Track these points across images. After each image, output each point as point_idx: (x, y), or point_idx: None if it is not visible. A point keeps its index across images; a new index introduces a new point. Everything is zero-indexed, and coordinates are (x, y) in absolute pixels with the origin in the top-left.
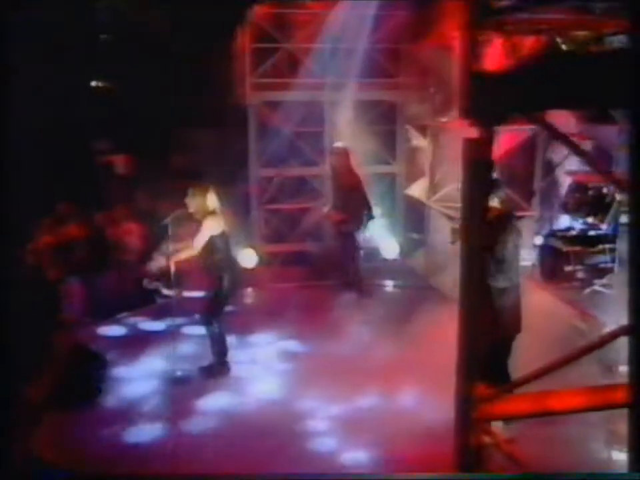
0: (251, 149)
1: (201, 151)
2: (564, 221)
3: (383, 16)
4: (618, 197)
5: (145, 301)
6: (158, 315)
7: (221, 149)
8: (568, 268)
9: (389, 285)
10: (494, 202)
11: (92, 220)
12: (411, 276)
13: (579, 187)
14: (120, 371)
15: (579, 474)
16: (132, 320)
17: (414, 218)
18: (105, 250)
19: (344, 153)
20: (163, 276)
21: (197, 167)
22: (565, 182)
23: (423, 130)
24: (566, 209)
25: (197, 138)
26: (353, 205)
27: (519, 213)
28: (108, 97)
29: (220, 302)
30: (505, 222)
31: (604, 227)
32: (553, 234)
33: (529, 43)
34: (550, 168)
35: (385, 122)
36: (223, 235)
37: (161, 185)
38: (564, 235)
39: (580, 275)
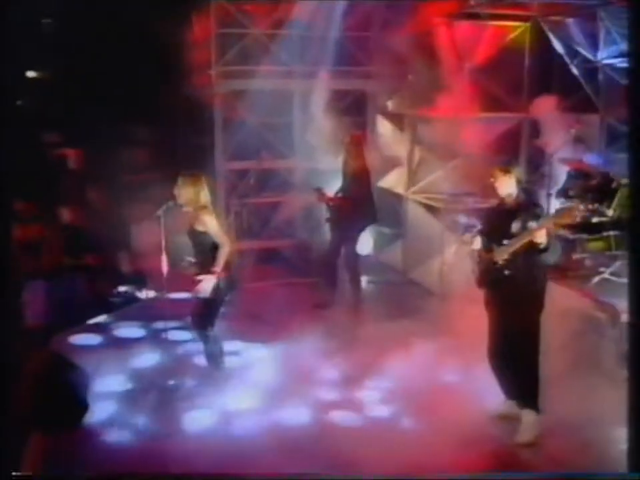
0: (217, 141)
1: (154, 145)
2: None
3: (354, 3)
4: (624, 182)
5: (114, 306)
6: (136, 320)
7: (174, 143)
8: (575, 256)
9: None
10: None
11: (54, 218)
12: (387, 271)
13: (580, 174)
14: (104, 383)
15: (579, 474)
16: (109, 326)
17: (385, 211)
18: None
19: (357, 140)
20: (138, 277)
21: (152, 162)
22: (560, 170)
23: (397, 120)
24: (566, 196)
25: (149, 132)
26: (357, 194)
27: None
28: (51, 87)
29: (216, 303)
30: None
31: (610, 213)
32: None
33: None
34: (540, 157)
35: (355, 112)
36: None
37: (116, 181)
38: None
39: (587, 262)
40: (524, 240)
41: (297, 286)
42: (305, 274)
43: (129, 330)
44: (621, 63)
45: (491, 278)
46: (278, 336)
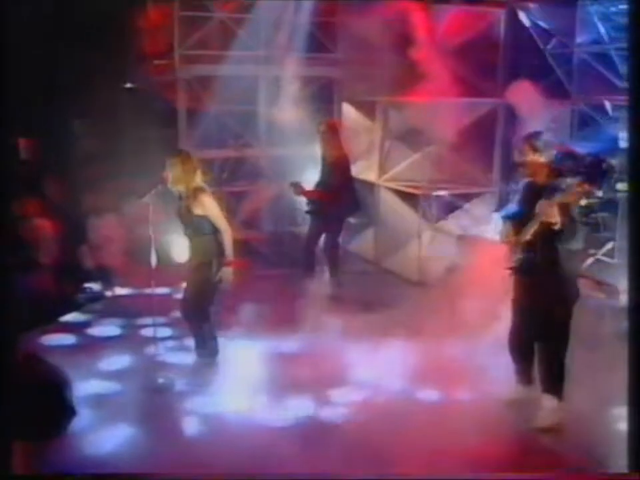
0: (180, 129)
1: (108, 135)
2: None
3: None
4: (614, 162)
5: (79, 304)
6: (113, 317)
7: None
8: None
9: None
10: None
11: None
12: (357, 261)
13: (567, 156)
14: (89, 385)
15: (579, 474)
16: (84, 325)
17: None
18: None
19: (333, 127)
20: (101, 273)
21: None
22: None
23: (367, 107)
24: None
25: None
26: (337, 184)
27: (478, 190)
28: None
29: (208, 292)
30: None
31: (600, 194)
32: None
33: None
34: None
35: (322, 100)
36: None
37: (71, 174)
38: None
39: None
40: (538, 220)
41: (270, 278)
42: (277, 265)
43: (106, 329)
44: (597, 48)
45: (517, 260)
46: (264, 329)
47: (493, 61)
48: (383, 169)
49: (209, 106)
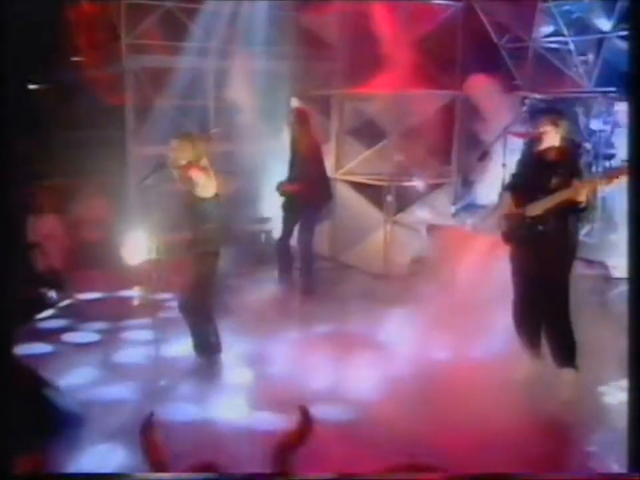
0: (127, 123)
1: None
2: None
3: None
4: (588, 147)
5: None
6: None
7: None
8: None
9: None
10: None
11: None
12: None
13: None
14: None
15: (579, 474)
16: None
17: None
18: None
19: (304, 116)
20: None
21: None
22: (509, 142)
23: (320, 101)
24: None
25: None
26: (312, 175)
27: (437, 181)
28: None
29: (213, 284)
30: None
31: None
32: None
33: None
34: (478, 133)
35: (273, 94)
36: (216, 198)
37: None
38: None
39: None
40: (563, 197)
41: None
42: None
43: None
44: (554, 42)
45: (521, 234)
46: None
47: (451, 54)
48: (339, 163)
49: (157, 100)
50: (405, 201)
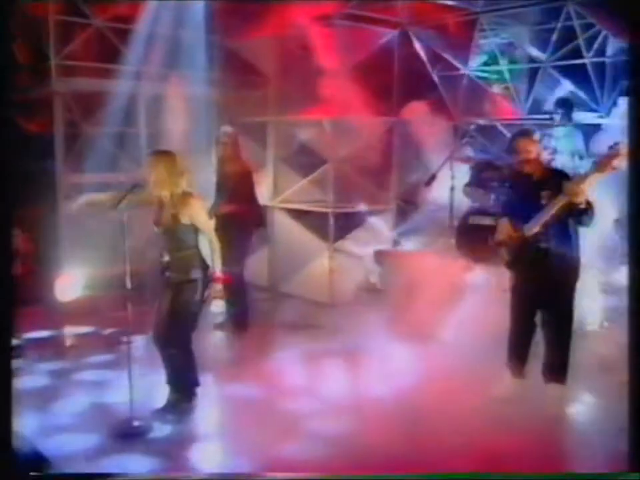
0: (57, 149)
1: None
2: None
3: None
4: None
5: None
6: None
7: None
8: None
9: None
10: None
11: None
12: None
13: (483, 167)
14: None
15: (580, 474)
16: None
17: None
18: None
19: (232, 139)
20: None
21: None
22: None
23: (255, 128)
24: (482, 185)
25: None
26: (241, 198)
27: (376, 208)
28: None
29: (191, 314)
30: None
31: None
32: (474, 212)
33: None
34: (416, 159)
35: (206, 121)
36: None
37: None
38: (488, 211)
39: None
40: (559, 205)
41: None
42: None
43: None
44: (489, 70)
45: (525, 256)
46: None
47: (387, 81)
48: (276, 191)
49: (87, 126)
50: (344, 227)
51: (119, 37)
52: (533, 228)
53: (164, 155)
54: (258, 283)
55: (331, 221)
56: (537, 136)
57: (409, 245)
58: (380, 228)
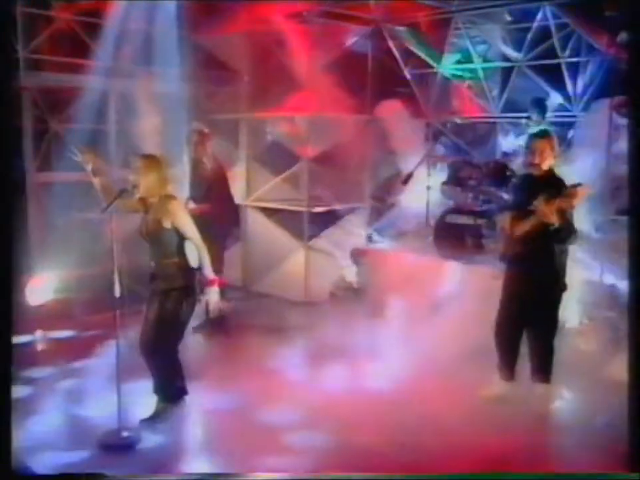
0: (25, 147)
1: None
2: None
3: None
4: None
5: None
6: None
7: None
8: (484, 241)
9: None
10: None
11: None
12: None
13: (460, 166)
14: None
15: (579, 474)
16: None
17: None
18: None
19: (203, 137)
20: None
21: None
22: (434, 166)
23: (227, 125)
24: (460, 184)
25: None
26: (217, 199)
27: (350, 206)
28: None
29: (178, 324)
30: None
31: (506, 197)
32: (451, 211)
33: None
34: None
35: (176, 118)
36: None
37: None
38: (466, 210)
39: (494, 246)
40: (536, 220)
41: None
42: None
43: None
44: (463, 69)
45: (512, 251)
46: None
47: (361, 78)
48: (249, 189)
49: (54, 122)
50: (318, 226)
51: (88, 31)
52: (521, 229)
53: (152, 159)
54: (231, 283)
55: (306, 219)
56: (555, 140)
57: (385, 243)
58: (354, 226)
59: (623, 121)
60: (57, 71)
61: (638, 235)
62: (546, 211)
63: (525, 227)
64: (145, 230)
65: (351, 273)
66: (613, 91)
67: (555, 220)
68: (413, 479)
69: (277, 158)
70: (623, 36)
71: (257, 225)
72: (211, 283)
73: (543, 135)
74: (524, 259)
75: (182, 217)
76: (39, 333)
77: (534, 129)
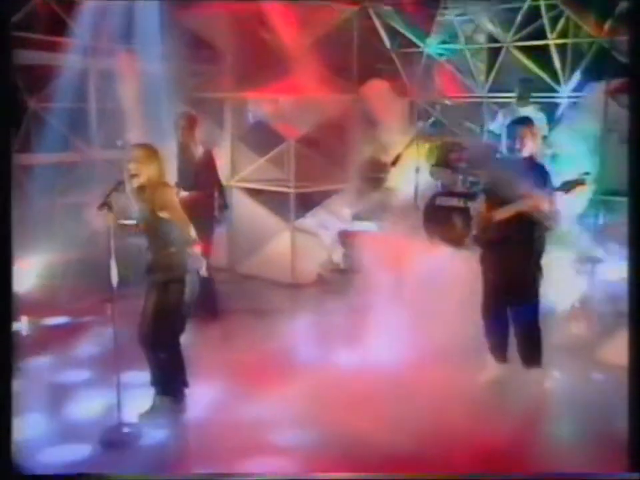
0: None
1: None
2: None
3: None
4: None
5: None
6: None
7: None
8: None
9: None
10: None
11: None
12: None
13: (450, 147)
14: None
15: (579, 474)
16: None
17: None
18: None
19: (191, 122)
20: None
21: None
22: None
23: (212, 105)
24: (449, 166)
25: None
26: (206, 184)
27: (335, 186)
28: None
29: (178, 315)
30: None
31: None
32: (441, 194)
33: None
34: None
35: (160, 97)
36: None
37: None
38: (456, 192)
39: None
40: (524, 206)
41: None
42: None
43: None
44: (449, 49)
45: (489, 236)
46: None
47: (347, 58)
48: (234, 170)
49: (32, 102)
50: (303, 206)
51: (66, 9)
52: (502, 214)
53: (152, 149)
54: (216, 264)
55: (292, 200)
56: (536, 126)
57: (372, 224)
58: (341, 207)
59: (617, 106)
60: (35, 49)
61: (637, 223)
62: (541, 201)
63: (506, 212)
64: (143, 221)
65: (337, 255)
66: (606, 74)
67: (547, 207)
68: (412, 479)
69: (262, 138)
70: (622, 5)
71: (242, 205)
72: (196, 245)
73: (523, 121)
74: (501, 242)
75: (173, 202)
76: (24, 320)
77: (518, 113)
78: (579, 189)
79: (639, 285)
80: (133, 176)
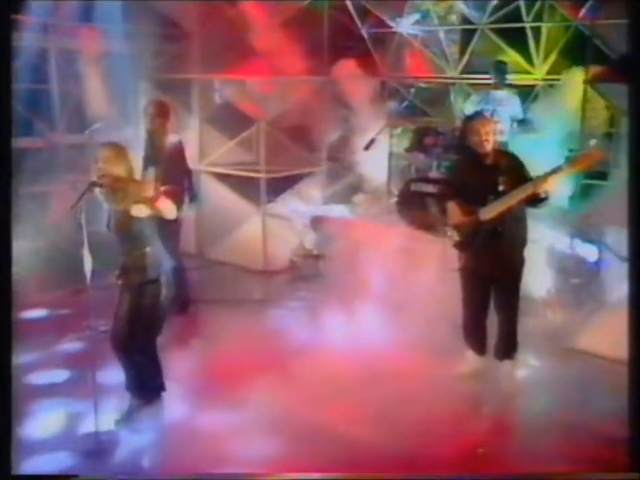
0: None
1: None
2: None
3: None
4: None
5: None
6: None
7: None
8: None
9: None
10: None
11: None
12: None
13: (431, 132)
14: None
15: (579, 474)
16: None
17: None
18: None
19: (161, 110)
20: None
21: None
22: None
23: (179, 86)
24: (424, 150)
25: None
26: (176, 173)
27: (307, 170)
28: None
29: (155, 318)
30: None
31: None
32: (416, 179)
33: None
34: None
35: (125, 77)
36: (151, 217)
37: None
38: (431, 179)
39: None
40: (522, 195)
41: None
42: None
43: None
44: (422, 30)
45: (478, 239)
46: None
47: (318, 39)
48: (203, 153)
49: None
50: (274, 191)
51: None
52: (490, 213)
53: (121, 148)
54: (185, 250)
55: (262, 184)
56: (493, 118)
57: (344, 209)
58: (311, 190)
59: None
60: None
61: (638, 223)
62: (547, 185)
63: (495, 209)
64: (114, 223)
65: (310, 240)
66: (584, 60)
67: (548, 190)
68: (404, 479)
69: (231, 120)
70: None
71: (211, 189)
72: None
73: (477, 117)
74: (493, 240)
75: (146, 198)
76: None
77: (492, 96)
78: (592, 162)
79: (638, 284)
80: (103, 176)
